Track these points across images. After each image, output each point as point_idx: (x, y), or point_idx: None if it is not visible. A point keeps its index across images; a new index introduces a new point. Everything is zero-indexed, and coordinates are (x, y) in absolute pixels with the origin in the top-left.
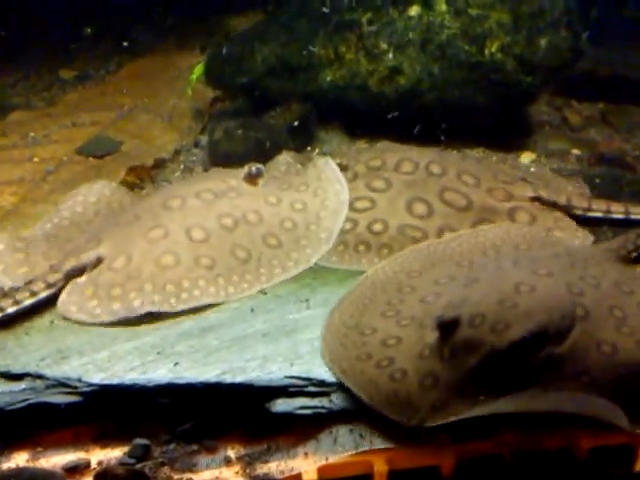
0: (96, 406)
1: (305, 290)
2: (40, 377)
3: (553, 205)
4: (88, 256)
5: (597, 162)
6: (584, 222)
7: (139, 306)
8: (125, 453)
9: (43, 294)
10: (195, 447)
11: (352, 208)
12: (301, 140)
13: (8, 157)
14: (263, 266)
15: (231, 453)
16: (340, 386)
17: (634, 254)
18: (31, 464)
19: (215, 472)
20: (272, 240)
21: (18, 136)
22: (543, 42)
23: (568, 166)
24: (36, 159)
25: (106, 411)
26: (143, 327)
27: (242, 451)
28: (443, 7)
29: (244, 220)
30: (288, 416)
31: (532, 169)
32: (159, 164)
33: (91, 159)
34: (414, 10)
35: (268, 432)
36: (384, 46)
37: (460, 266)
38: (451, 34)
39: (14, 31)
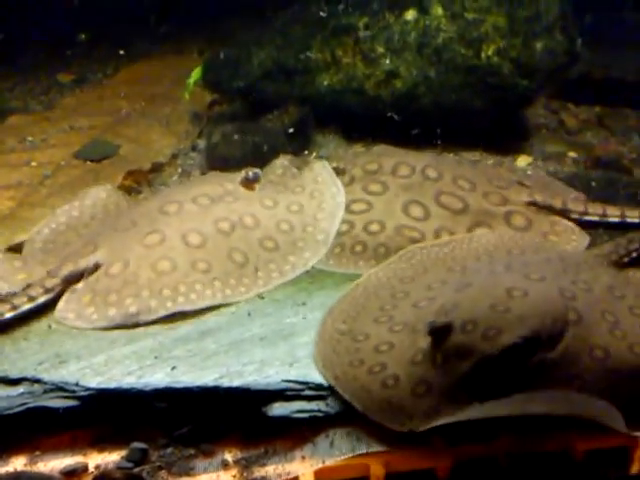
0: (94, 410)
1: (302, 294)
2: (38, 381)
3: (549, 209)
4: (86, 261)
5: (593, 165)
6: (580, 226)
7: (135, 313)
8: (123, 457)
9: (41, 299)
10: (192, 451)
11: (349, 210)
12: (298, 144)
13: (6, 161)
14: (260, 270)
15: (228, 457)
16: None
17: (626, 259)
18: (29, 468)
19: (212, 476)
20: (269, 243)
21: (16, 140)
22: (539, 46)
23: (565, 169)
24: (34, 163)
25: (104, 415)
26: (141, 331)
27: (239, 455)
28: (439, 11)
29: (241, 224)
30: (285, 420)
31: (529, 172)
32: (156, 168)
33: (89, 163)
34: (410, 14)
35: (265, 436)
36: (381, 50)
37: (453, 271)
38: (447, 38)
39: (12, 35)
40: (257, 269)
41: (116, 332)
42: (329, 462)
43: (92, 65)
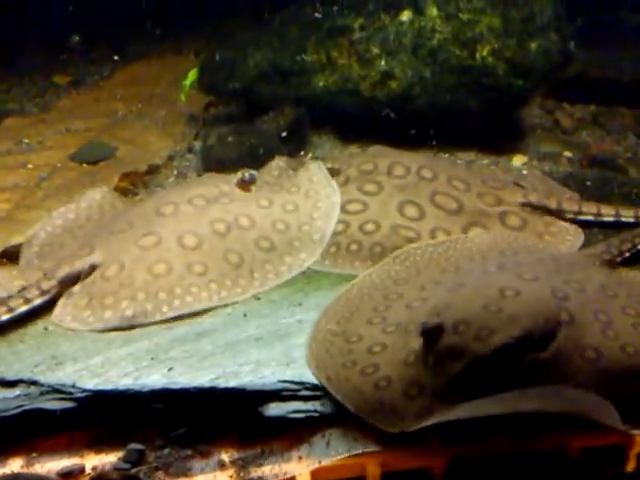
0: (90, 412)
1: (298, 294)
2: (34, 383)
3: (543, 209)
4: (82, 263)
5: (589, 164)
6: (575, 225)
7: (131, 316)
8: (120, 458)
9: (37, 301)
10: (189, 452)
11: (344, 210)
12: (294, 145)
13: (2, 163)
14: (256, 270)
15: (225, 457)
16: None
17: (619, 258)
18: (26, 470)
19: (209, 476)
20: (265, 243)
21: (12, 142)
22: (533, 46)
23: (560, 169)
24: (30, 165)
25: (101, 416)
26: (137, 332)
27: (236, 455)
28: (434, 12)
29: (236, 225)
30: (281, 420)
31: (524, 172)
32: (153, 170)
33: (85, 165)
34: (405, 15)
35: (262, 436)
36: (376, 51)
37: (446, 272)
38: (442, 39)
39: (9, 36)
40: (253, 270)
41: (112, 334)
42: (325, 462)
43: (89, 67)
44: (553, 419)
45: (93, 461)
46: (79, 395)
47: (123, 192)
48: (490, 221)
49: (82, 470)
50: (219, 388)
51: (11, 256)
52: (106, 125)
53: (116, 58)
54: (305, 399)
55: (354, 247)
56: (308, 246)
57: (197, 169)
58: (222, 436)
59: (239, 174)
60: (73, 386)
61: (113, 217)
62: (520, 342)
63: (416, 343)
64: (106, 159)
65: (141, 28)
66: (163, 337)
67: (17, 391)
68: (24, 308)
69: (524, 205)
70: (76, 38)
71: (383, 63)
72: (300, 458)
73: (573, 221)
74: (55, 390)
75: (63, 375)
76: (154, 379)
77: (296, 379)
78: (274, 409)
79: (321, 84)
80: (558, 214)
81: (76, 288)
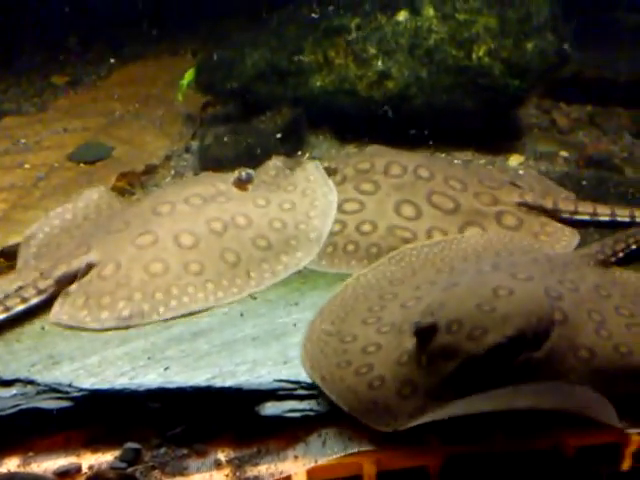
0: (87, 411)
1: (295, 294)
2: (31, 383)
3: (539, 209)
4: (78, 262)
5: (585, 164)
6: (571, 225)
7: (127, 317)
8: (116, 457)
9: (34, 300)
10: (185, 451)
11: (341, 210)
12: (291, 145)
13: None
14: (253, 270)
15: (221, 456)
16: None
17: (613, 259)
18: (22, 469)
19: (205, 475)
20: (261, 242)
21: (9, 142)
22: (530, 46)
23: (556, 168)
24: (27, 165)
25: (97, 416)
26: (134, 332)
27: (232, 454)
28: (431, 12)
29: (233, 224)
30: (277, 419)
31: (520, 172)
32: (150, 170)
33: (82, 165)
34: (402, 15)
35: (258, 435)
36: (373, 51)
37: (441, 272)
38: (439, 39)
39: (7, 37)
40: (249, 270)
41: (109, 333)
42: (321, 461)
43: (86, 67)
44: (549, 417)
45: (89, 460)
46: (76, 394)
47: (120, 192)
48: (486, 221)
49: (78, 469)
50: (215, 387)
51: (8, 256)
52: (103, 125)
53: (113, 60)
54: (301, 398)
55: (351, 248)
56: (305, 245)
57: (194, 169)
58: (218, 435)
59: (236, 173)
60: (70, 385)
61: (110, 216)
62: (513, 341)
63: (410, 343)
64: (103, 159)
65: (138, 28)
66: (160, 336)
67: (14, 390)
68: (21, 307)
69: (520, 205)
70: (73, 39)
71: (380, 63)
72: (296, 457)
73: (569, 221)
74: (52, 389)
75: (60, 374)
76: (150, 378)
77: (292, 378)
78: (270, 408)
79: (318, 84)
80: (554, 214)
81: (73, 287)
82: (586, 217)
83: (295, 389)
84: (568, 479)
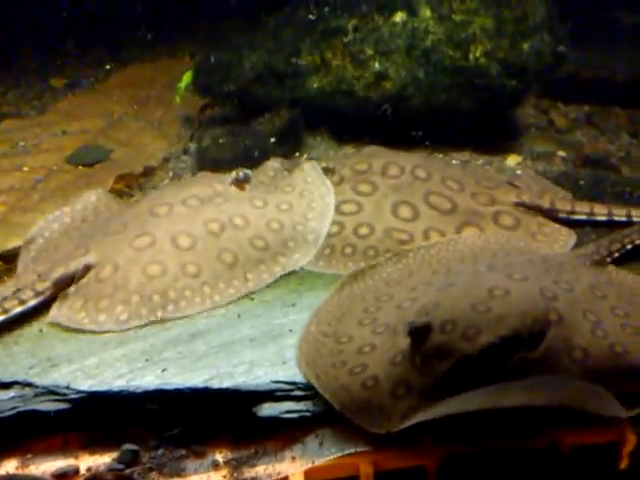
0: (85, 413)
1: (292, 295)
2: (29, 385)
3: (537, 209)
4: (76, 264)
5: (582, 164)
6: (567, 225)
7: (125, 320)
8: (114, 459)
9: (32, 302)
10: (183, 452)
11: (338, 211)
12: (289, 146)
13: None
14: (250, 271)
15: (219, 457)
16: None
17: (608, 259)
18: (20, 471)
19: (203, 476)
20: (259, 242)
21: (8, 145)
22: (526, 47)
23: (554, 168)
24: (26, 168)
25: (95, 418)
26: (132, 333)
27: (230, 455)
28: (427, 13)
29: (231, 224)
30: (275, 420)
31: (518, 172)
32: (148, 172)
33: (81, 168)
34: (399, 16)
35: (255, 436)
36: (370, 52)
37: (438, 273)
38: (436, 39)
39: (5, 40)
40: (247, 271)
41: (107, 335)
42: (319, 462)
43: (85, 70)
44: (546, 415)
45: (87, 462)
46: (73, 396)
47: (118, 194)
48: (484, 221)
49: (76, 471)
50: (213, 388)
51: (7, 259)
52: (102, 127)
53: (111, 63)
54: (298, 399)
55: (348, 250)
56: (302, 247)
57: (192, 170)
58: (216, 436)
59: (233, 173)
60: (67, 387)
61: (108, 218)
62: (507, 341)
63: (404, 343)
64: (102, 161)
65: (136, 31)
66: (157, 338)
67: (12, 393)
68: (18, 309)
69: (517, 205)
70: (72, 42)
71: (377, 64)
72: (293, 458)
73: (566, 220)
74: (50, 391)
75: (58, 376)
76: (148, 380)
77: (289, 379)
78: (267, 409)
79: (316, 85)
80: (551, 214)
81: (71, 289)
82: (583, 217)
83: (292, 390)
84: (565, 478)
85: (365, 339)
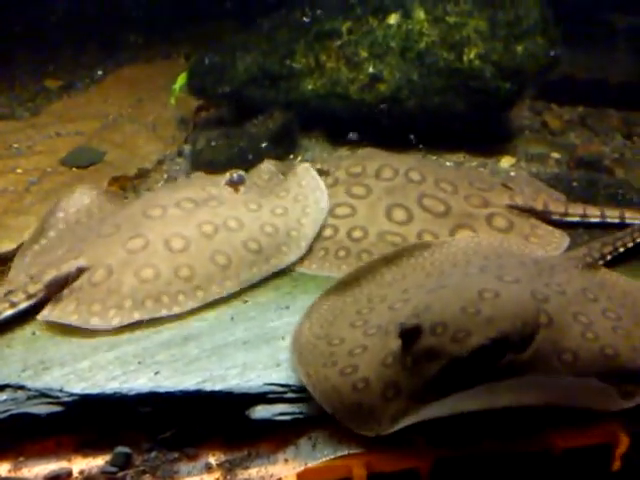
0: (78, 416)
1: (286, 297)
2: (22, 388)
3: (530, 211)
4: (69, 266)
5: (576, 166)
6: (561, 226)
7: (117, 325)
8: (107, 462)
9: (23, 305)
10: (176, 454)
11: (332, 214)
12: (283, 148)
13: None
14: (243, 273)
15: (212, 460)
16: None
17: (600, 262)
18: (13, 474)
19: (196, 479)
20: (253, 245)
21: (1, 147)
22: (520, 49)
23: (547, 170)
24: (19, 170)
25: (88, 420)
26: (125, 336)
27: (223, 458)
28: (422, 15)
29: (224, 226)
30: (268, 422)
31: (512, 174)
32: (142, 174)
33: (75, 169)
34: (393, 19)
35: (248, 439)
36: (364, 54)
37: (430, 276)
38: (430, 42)
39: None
40: (239, 273)
41: (100, 338)
42: (312, 464)
43: (79, 71)
44: (539, 416)
45: (80, 465)
46: (66, 399)
47: None
48: (477, 223)
49: (69, 474)
50: (205, 391)
51: (0, 262)
52: (97, 129)
53: (106, 63)
54: (291, 401)
55: (342, 253)
56: (295, 253)
57: (187, 173)
58: (209, 439)
59: (227, 175)
60: (60, 390)
61: (101, 220)
62: (497, 344)
63: (395, 344)
64: (96, 163)
65: (131, 32)
66: (150, 341)
67: (4, 396)
68: (10, 312)
69: (511, 207)
70: (67, 43)
71: (371, 66)
72: (286, 460)
73: (559, 222)
74: (42, 394)
75: (50, 379)
76: (141, 383)
77: (282, 382)
78: (260, 412)
79: (310, 88)
80: (544, 215)
81: (64, 293)
82: (576, 218)
83: (285, 392)
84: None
85: (357, 341)
